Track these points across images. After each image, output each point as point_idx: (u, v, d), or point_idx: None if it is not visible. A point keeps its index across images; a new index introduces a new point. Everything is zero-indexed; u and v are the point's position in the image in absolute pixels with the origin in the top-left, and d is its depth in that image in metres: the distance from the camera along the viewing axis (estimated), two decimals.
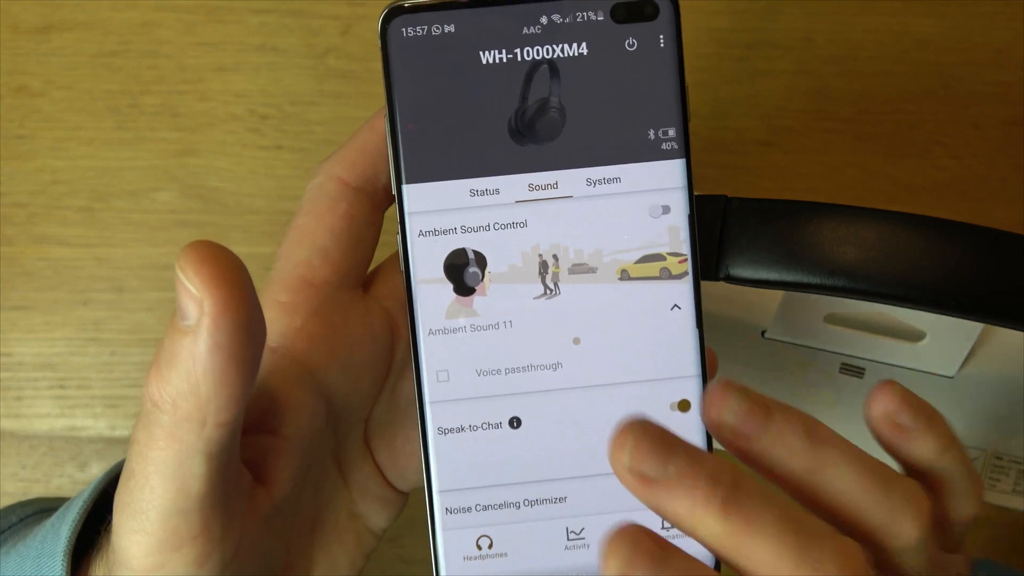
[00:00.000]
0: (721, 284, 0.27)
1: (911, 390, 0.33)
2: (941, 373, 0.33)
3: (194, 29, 0.45)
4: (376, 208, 0.24)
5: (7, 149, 0.45)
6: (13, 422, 0.45)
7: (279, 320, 0.23)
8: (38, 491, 0.44)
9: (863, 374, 0.33)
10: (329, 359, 0.24)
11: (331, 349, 0.24)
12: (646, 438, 0.20)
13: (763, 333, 0.33)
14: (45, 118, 0.45)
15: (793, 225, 0.26)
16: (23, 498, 0.39)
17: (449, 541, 0.23)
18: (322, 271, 0.24)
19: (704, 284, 0.32)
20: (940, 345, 0.32)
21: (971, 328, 0.32)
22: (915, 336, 0.33)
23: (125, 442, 0.44)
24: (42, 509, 0.30)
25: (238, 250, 0.26)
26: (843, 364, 0.33)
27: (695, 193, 0.27)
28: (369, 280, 0.26)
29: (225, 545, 0.21)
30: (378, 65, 0.44)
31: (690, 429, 0.23)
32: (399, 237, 0.23)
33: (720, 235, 0.27)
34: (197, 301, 0.19)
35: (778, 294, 0.32)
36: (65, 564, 0.23)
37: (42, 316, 0.45)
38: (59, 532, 0.24)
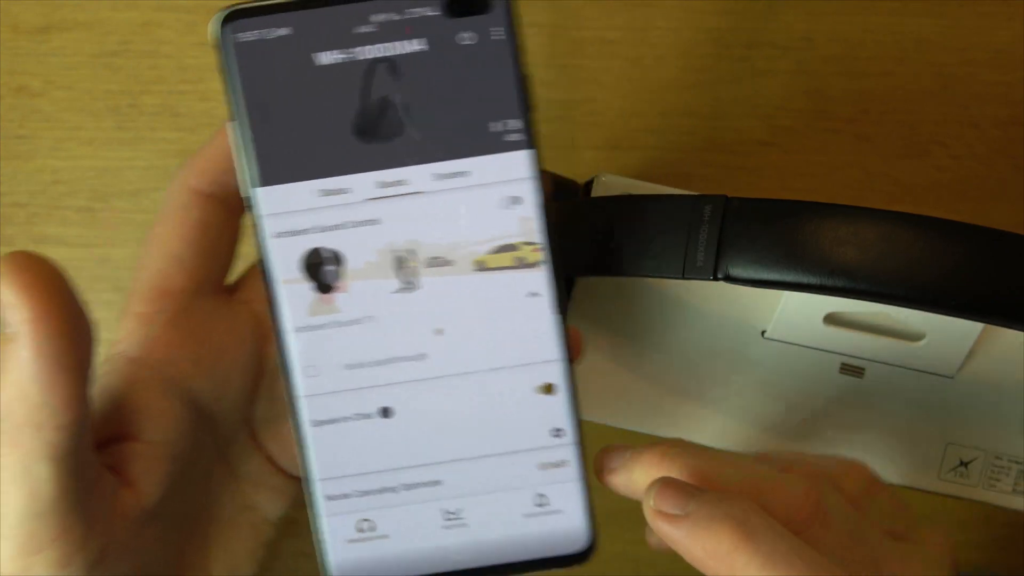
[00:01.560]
0: (721, 284, 0.27)
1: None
2: (941, 373, 0.33)
3: (194, 29, 0.45)
4: (231, 213, 0.25)
5: (7, 149, 0.45)
6: None
7: (137, 331, 0.24)
8: None
9: (863, 374, 0.33)
10: (192, 365, 0.24)
11: (193, 355, 0.24)
12: (670, 485, 0.23)
13: (763, 333, 0.33)
14: (45, 118, 0.45)
15: (793, 225, 0.26)
16: None
17: (331, 526, 0.24)
18: (178, 279, 0.24)
19: (704, 284, 0.32)
20: (940, 345, 0.32)
21: (971, 328, 0.32)
22: (915, 336, 0.33)
23: None
24: None
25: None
26: (843, 364, 0.33)
27: (697, 193, 0.27)
28: (237, 284, 0.26)
29: (88, 547, 0.21)
30: None
31: (554, 411, 0.25)
32: (256, 240, 0.24)
33: (720, 235, 0.27)
34: (15, 309, 0.19)
35: (778, 294, 0.32)
36: None
37: None
38: None
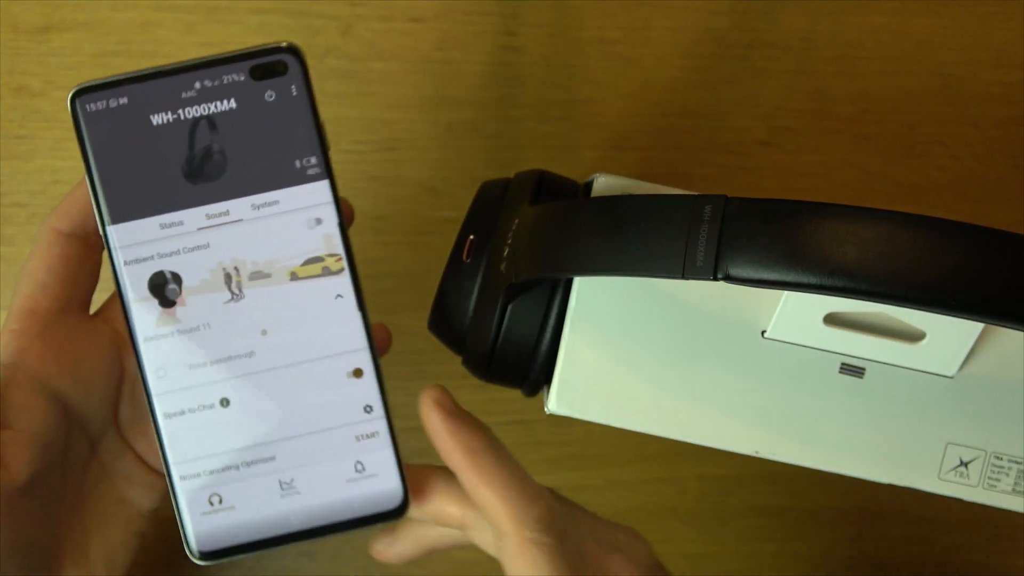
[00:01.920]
0: (721, 284, 0.27)
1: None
2: (941, 373, 0.33)
3: (194, 29, 0.45)
4: (90, 247, 0.30)
5: (7, 149, 0.45)
6: None
7: (11, 344, 0.29)
8: None
9: (863, 374, 0.33)
10: (57, 370, 0.29)
11: (58, 362, 0.29)
12: (450, 395, 0.30)
13: (763, 333, 0.33)
14: (45, 118, 0.45)
15: (793, 225, 0.26)
16: None
17: (187, 501, 0.29)
18: (43, 302, 0.29)
19: (704, 284, 0.32)
20: (940, 345, 0.32)
21: (971, 328, 0.32)
22: (915, 336, 0.33)
23: None
24: None
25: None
26: (843, 364, 0.33)
27: (697, 193, 0.27)
28: (102, 308, 0.32)
29: None
30: (377, 65, 0.45)
31: (364, 391, 0.30)
32: (111, 267, 0.29)
33: (720, 235, 0.27)
34: None
35: (778, 294, 0.32)
36: None
37: None
38: None
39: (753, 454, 0.33)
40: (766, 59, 0.46)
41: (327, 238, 0.29)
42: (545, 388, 0.35)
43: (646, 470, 0.46)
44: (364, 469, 0.30)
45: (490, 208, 0.35)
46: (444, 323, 0.35)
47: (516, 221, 0.33)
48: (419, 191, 0.46)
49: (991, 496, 0.34)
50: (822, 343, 0.33)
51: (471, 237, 0.35)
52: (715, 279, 0.27)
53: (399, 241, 0.46)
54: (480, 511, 0.29)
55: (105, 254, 0.29)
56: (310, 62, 0.45)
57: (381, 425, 0.30)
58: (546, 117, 0.46)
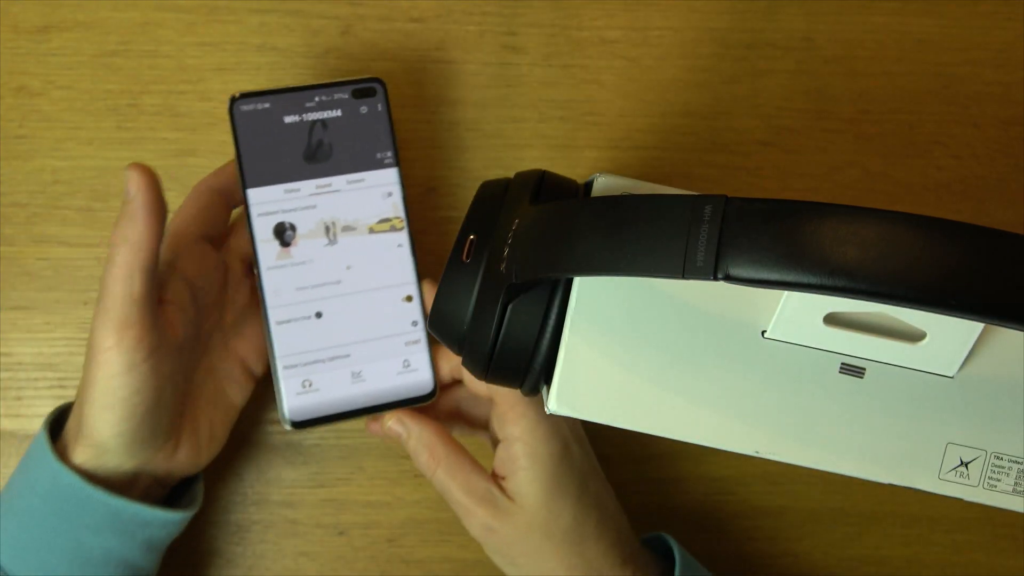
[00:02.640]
0: (721, 284, 0.27)
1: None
2: (941, 373, 0.33)
3: (194, 29, 0.45)
4: (227, 203, 0.42)
5: (7, 149, 0.45)
6: (13, 422, 0.45)
7: (168, 251, 0.40)
8: None
9: (863, 374, 0.33)
10: (194, 271, 0.40)
11: (195, 265, 0.40)
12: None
13: (763, 333, 0.33)
14: (45, 118, 0.45)
15: (793, 225, 0.26)
16: None
17: (286, 385, 0.41)
18: (190, 229, 0.40)
19: (704, 284, 0.33)
20: (940, 345, 0.32)
21: (971, 328, 0.32)
22: (915, 336, 0.33)
23: None
24: None
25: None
26: (843, 364, 0.33)
27: (697, 193, 0.27)
28: (225, 241, 0.43)
29: (153, 335, 0.36)
30: (377, 65, 0.45)
31: (412, 311, 0.42)
32: (247, 218, 0.40)
33: (720, 235, 0.27)
34: (134, 184, 0.35)
35: (778, 294, 0.32)
36: (45, 429, 0.39)
37: (42, 316, 0.45)
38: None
39: (753, 454, 0.33)
40: (766, 59, 0.46)
41: (394, 206, 0.41)
42: (545, 388, 0.35)
43: (646, 470, 0.46)
44: (409, 365, 0.42)
45: (490, 208, 0.35)
46: (444, 323, 0.35)
47: (516, 221, 0.33)
48: (419, 191, 0.46)
49: (991, 496, 0.34)
50: (822, 343, 0.33)
51: (471, 237, 0.35)
52: (715, 279, 0.27)
53: None
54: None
55: (239, 209, 0.41)
56: (310, 62, 0.45)
57: (422, 335, 0.42)
58: (546, 117, 0.46)
